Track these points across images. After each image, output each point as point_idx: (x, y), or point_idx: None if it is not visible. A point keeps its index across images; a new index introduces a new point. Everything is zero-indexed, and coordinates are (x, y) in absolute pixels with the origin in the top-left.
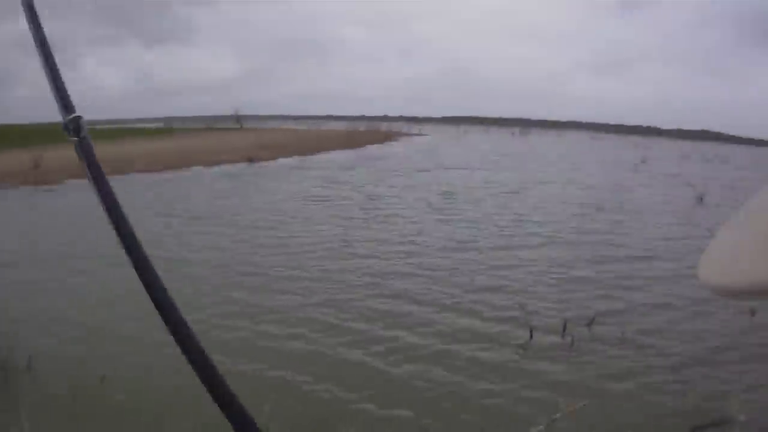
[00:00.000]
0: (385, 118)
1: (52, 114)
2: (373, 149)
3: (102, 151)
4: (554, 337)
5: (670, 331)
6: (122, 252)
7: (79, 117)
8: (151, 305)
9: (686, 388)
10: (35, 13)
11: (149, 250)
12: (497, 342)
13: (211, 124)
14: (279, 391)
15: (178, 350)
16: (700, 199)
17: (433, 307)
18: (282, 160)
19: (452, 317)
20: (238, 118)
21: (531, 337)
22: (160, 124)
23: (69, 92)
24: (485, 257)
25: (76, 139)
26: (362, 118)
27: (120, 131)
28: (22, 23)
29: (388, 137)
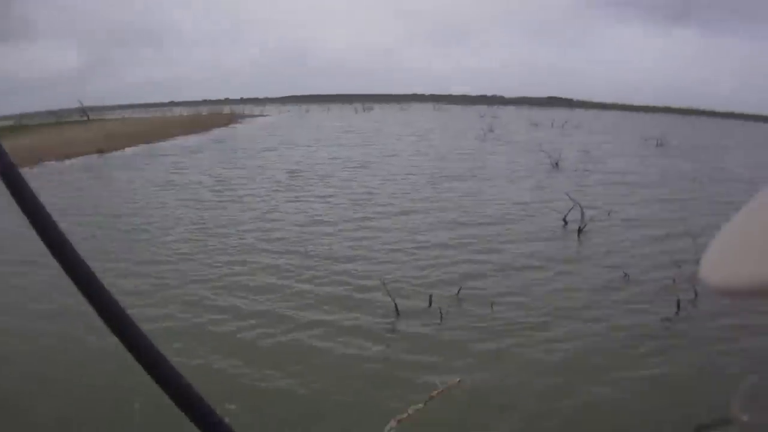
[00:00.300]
0: (227, 101)
1: None
2: (218, 132)
3: None
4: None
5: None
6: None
7: None
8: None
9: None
10: None
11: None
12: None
13: (60, 118)
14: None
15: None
16: (556, 165)
17: (295, 280)
18: (130, 149)
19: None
20: (83, 111)
21: (397, 312)
22: (11, 122)
23: None
24: (340, 229)
25: None
26: (205, 102)
27: None
28: None
29: (231, 119)
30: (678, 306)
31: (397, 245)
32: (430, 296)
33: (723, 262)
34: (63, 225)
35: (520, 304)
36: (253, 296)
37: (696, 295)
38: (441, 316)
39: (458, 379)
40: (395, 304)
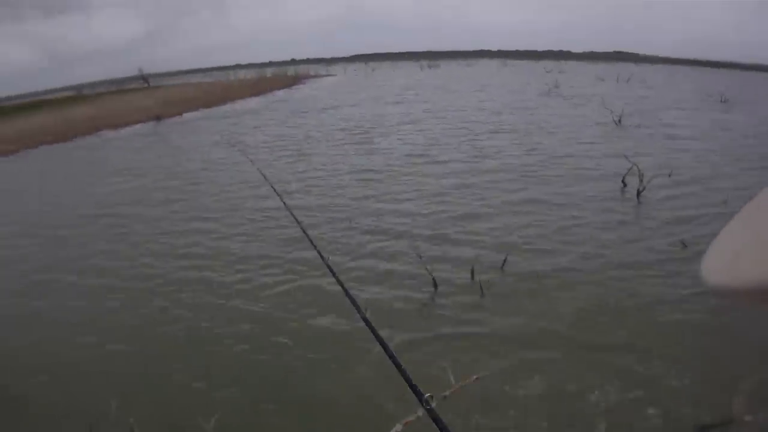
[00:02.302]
0: (293, 62)
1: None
2: (280, 94)
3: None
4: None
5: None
6: None
7: None
8: None
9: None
10: None
11: None
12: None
13: (120, 86)
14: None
15: None
16: (619, 121)
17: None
18: (188, 115)
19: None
20: (144, 78)
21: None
22: (72, 93)
23: None
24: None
25: None
26: (270, 64)
27: (23, 106)
28: None
29: (295, 81)
30: None
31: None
32: (472, 269)
33: (724, 262)
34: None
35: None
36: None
37: None
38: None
39: (475, 377)
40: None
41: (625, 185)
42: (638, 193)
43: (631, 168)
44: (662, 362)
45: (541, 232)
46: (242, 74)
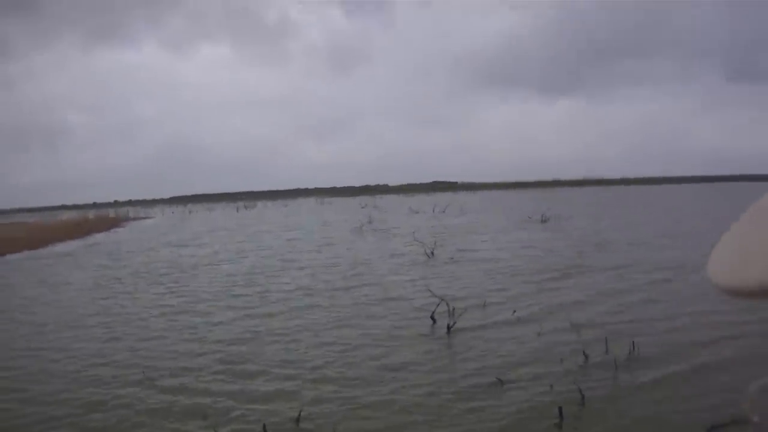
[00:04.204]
0: (115, 204)
1: None
2: (99, 237)
3: None
4: None
5: None
6: None
7: None
8: None
9: None
10: None
11: None
12: None
13: None
14: None
15: None
16: (432, 254)
17: None
18: (10, 256)
19: None
20: None
21: None
22: None
23: None
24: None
25: None
26: (93, 205)
27: None
28: None
29: (114, 223)
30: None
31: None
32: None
33: (730, 263)
34: None
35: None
36: None
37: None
38: None
39: None
40: None
41: (434, 321)
42: (449, 329)
43: (440, 303)
44: None
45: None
46: (67, 215)
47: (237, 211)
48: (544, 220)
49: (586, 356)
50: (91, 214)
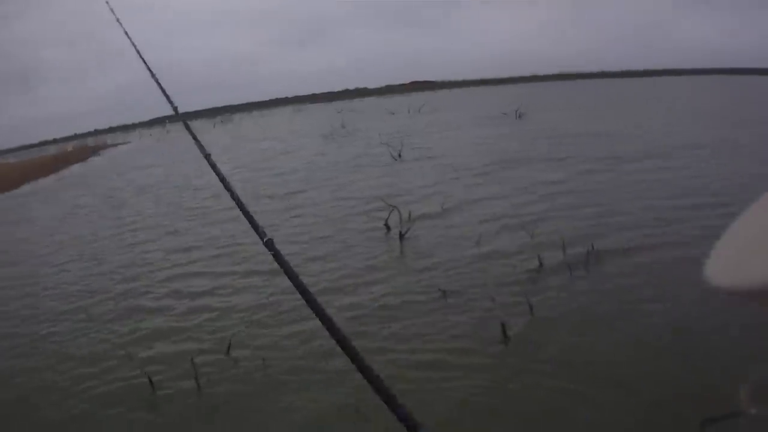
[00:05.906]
0: (95, 133)
1: None
2: (75, 168)
3: None
4: None
5: None
6: None
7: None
8: None
9: None
10: None
11: None
12: None
13: None
14: None
15: None
16: (399, 156)
17: None
18: None
19: None
20: None
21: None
22: None
23: None
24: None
25: None
26: (74, 136)
27: None
28: None
29: (93, 152)
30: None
31: None
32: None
33: (729, 264)
34: None
35: None
36: None
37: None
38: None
39: None
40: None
41: (388, 229)
42: (401, 236)
43: (393, 210)
44: None
45: None
46: (50, 149)
47: (213, 127)
48: (518, 116)
49: (541, 262)
50: (70, 146)
